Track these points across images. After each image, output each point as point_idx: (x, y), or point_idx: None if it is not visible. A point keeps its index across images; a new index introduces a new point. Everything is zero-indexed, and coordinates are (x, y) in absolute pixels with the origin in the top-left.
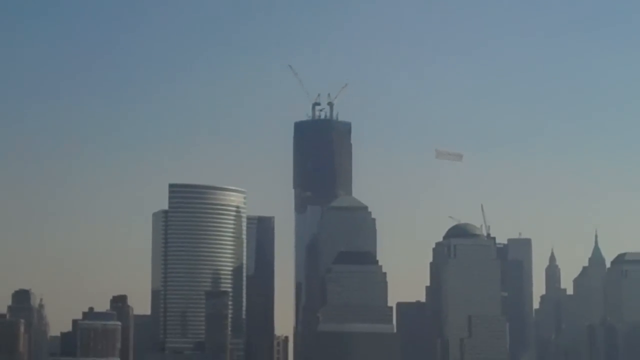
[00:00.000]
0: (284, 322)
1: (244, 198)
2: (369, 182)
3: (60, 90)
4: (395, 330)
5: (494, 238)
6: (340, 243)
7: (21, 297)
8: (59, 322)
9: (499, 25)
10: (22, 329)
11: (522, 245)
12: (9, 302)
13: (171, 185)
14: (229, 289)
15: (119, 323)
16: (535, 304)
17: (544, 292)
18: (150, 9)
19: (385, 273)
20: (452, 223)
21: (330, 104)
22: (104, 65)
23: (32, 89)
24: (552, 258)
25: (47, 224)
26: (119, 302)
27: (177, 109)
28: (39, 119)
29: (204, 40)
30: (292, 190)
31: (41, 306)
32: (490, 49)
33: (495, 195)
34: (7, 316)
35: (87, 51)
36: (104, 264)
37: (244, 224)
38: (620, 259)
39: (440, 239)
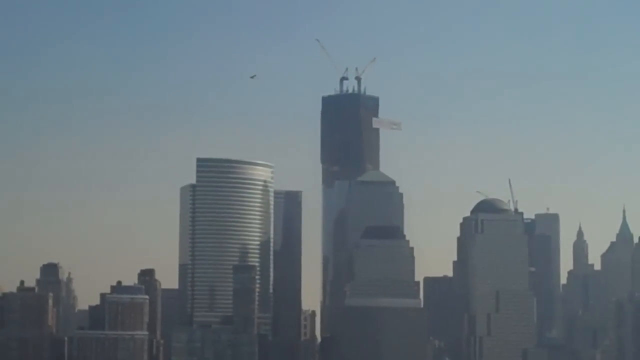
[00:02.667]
0: (311, 296)
1: (272, 172)
2: (397, 156)
3: (86, 62)
4: (422, 305)
5: (521, 213)
6: (367, 218)
7: (50, 271)
8: (87, 296)
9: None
10: (50, 302)
11: (550, 221)
12: (38, 276)
13: (199, 160)
14: (257, 264)
15: (147, 297)
16: (563, 280)
17: (571, 268)
18: None
19: (412, 248)
20: (480, 198)
21: (358, 79)
22: (132, 38)
23: (56, 59)
24: (580, 233)
25: (75, 197)
26: (147, 276)
27: (205, 83)
28: (68, 91)
29: (231, 14)
30: (320, 165)
31: (69, 280)
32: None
33: (523, 170)
34: (36, 289)
35: (117, 24)
36: (132, 238)
37: (272, 198)
38: None
39: (468, 214)
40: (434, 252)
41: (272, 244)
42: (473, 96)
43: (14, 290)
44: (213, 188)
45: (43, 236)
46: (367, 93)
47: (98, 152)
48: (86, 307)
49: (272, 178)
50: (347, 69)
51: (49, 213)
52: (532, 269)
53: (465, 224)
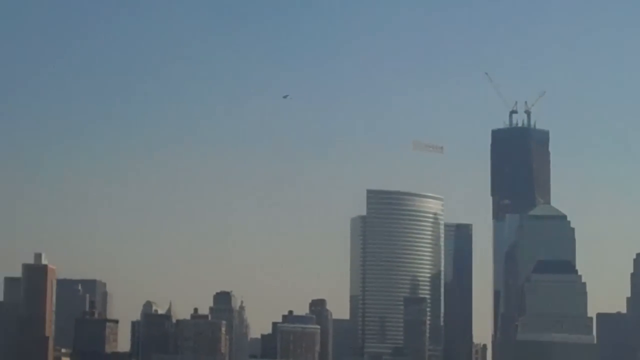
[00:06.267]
0: (483, 330)
1: (442, 205)
2: (568, 190)
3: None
4: (595, 341)
5: None
6: (538, 252)
7: (222, 299)
8: (259, 324)
9: None
10: (223, 330)
11: None
12: (211, 304)
13: (369, 192)
14: (427, 296)
15: (318, 327)
16: None
17: None
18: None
19: (584, 283)
20: None
21: (528, 112)
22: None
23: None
24: None
25: (248, 228)
26: (318, 306)
27: (376, 116)
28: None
29: (401, 48)
30: (490, 198)
31: (242, 308)
32: None
33: None
34: (209, 317)
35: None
36: (303, 268)
37: (442, 231)
38: None
39: None
40: (606, 288)
41: (442, 277)
42: None
43: (188, 317)
44: (383, 220)
45: (216, 265)
46: (537, 127)
47: (272, 184)
48: (258, 336)
49: (442, 211)
50: (516, 103)
51: (223, 243)
52: None
53: (639, 260)
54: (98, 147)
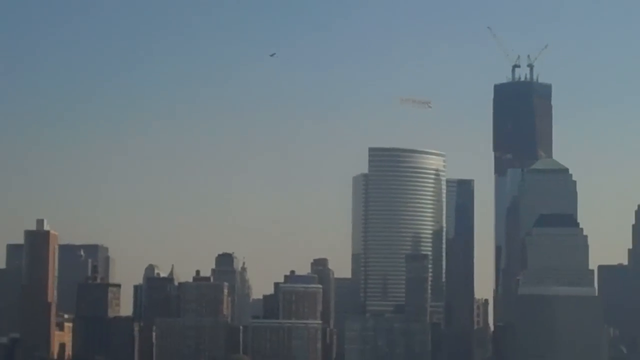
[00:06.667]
0: (484, 285)
1: (444, 161)
2: (570, 144)
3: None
4: (596, 294)
5: None
6: (540, 206)
7: (224, 261)
8: (261, 285)
9: None
10: (225, 291)
11: None
12: (213, 266)
13: (371, 149)
14: (429, 252)
15: (320, 286)
16: None
17: None
18: None
19: (586, 236)
20: None
21: (531, 66)
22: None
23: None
24: None
25: (249, 188)
26: (320, 265)
27: (375, 72)
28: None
29: (404, 3)
30: (492, 153)
31: (244, 269)
32: None
33: None
34: (211, 279)
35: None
36: (305, 228)
37: (444, 187)
38: None
39: None
40: (608, 240)
41: (444, 233)
42: None
43: (190, 280)
44: (385, 177)
45: (218, 227)
46: (540, 80)
47: (273, 143)
48: (260, 297)
49: (444, 167)
50: (519, 57)
51: (223, 204)
52: None
53: None
54: (99, 113)
